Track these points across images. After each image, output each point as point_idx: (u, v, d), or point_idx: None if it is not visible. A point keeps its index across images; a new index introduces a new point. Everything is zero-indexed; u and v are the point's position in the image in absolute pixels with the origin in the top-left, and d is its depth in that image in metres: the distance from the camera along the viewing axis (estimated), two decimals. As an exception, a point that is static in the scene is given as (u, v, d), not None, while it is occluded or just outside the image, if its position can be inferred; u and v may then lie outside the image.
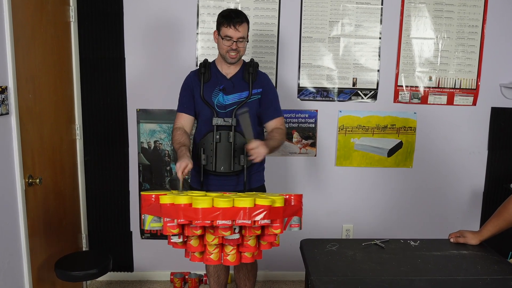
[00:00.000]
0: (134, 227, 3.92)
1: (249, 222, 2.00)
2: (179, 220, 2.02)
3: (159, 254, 3.96)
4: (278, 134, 2.92)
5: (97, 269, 3.03)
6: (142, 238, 3.94)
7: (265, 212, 2.00)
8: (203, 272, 3.87)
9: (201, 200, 1.99)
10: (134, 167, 3.83)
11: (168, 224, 2.06)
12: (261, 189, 3.06)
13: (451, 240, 2.54)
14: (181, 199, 2.02)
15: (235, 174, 2.91)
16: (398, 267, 2.21)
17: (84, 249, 3.84)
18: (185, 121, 2.96)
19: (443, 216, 3.99)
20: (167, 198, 2.07)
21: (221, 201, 1.99)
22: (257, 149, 2.63)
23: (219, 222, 1.99)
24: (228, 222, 2.00)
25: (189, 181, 3.14)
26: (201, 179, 2.91)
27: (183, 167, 2.61)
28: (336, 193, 3.93)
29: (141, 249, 3.97)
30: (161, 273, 4.01)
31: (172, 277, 3.90)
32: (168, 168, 3.83)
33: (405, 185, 3.94)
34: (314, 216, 3.87)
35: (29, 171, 2.84)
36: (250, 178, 2.98)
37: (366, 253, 2.38)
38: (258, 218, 2.00)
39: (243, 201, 2.00)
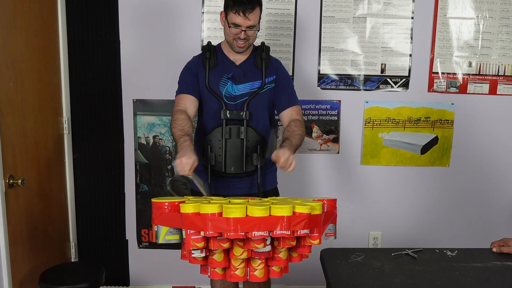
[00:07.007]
0: (130, 235, 3.93)
1: (288, 233, 1.98)
2: (207, 233, 1.97)
3: (159, 265, 3.97)
4: (298, 128, 2.85)
5: (88, 282, 3.03)
6: (140, 248, 3.95)
7: (305, 221, 1.98)
8: (208, 286, 3.87)
9: (234, 209, 1.94)
10: (130, 166, 3.84)
11: (193, 237, 2.01)
12: (274, 192, 3.05)
13: (494, 249, 2.55)
14: (209, 207, 1.97)
15: (247, 175, 2.90)
16: (433, 281, 2.21)
17: (72, 260, 3.86)
18: (190, 103, 2.83)
19: (484, 222, 3.97)
20: (190, 207, 2.01)
21: (257, 209, 1.95)
22: (287, 160, 2.54)
23: (255, 233, 1.95)
24: (265, 234, 1.96)
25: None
26: (209, 181, 2.88)
27: (190, 163, 2.44)
28: (362, 196, 3.93)
29: (138, 260, 3.98)
30: (161, 287, 4.02)
31: (173, 291, 3.91)
32: (169, 167, 3.83)
33: (441, 186, 3.92)
34: (337, 222, 3.84)
35: (9, 170, 2.84)
36: (264, 179, 2.97)
37: (396, 265, 2.38)
38: (299, 227, 1.98)
39: (281, 209, 1.97)
